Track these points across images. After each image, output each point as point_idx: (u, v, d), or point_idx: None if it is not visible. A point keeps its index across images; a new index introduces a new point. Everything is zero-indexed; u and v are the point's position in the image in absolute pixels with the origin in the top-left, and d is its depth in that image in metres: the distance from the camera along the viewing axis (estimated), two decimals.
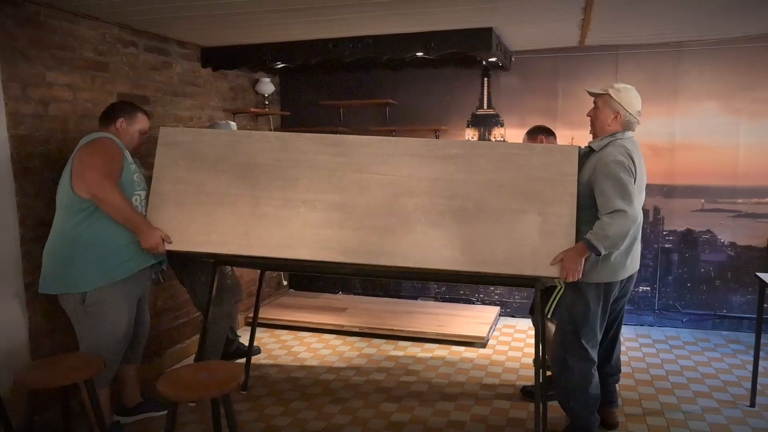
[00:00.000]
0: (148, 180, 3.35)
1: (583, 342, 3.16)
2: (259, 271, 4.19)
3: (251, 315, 4.25)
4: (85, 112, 3.73)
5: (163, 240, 3.19)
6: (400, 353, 4.82)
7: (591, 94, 3.20)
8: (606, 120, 3.11)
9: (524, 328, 5.42)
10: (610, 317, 3.26)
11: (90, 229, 3.09)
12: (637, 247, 3.23)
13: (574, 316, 3.17)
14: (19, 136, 3.26)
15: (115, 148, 3.17)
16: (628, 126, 3.12)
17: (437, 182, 3.10)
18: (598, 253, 2.90)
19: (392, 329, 5.16)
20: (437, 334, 5.06)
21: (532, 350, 4.78)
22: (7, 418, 2.62)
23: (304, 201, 3.17)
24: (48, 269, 3.13)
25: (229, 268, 4.11)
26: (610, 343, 3.44)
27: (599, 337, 3.22)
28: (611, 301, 3.17)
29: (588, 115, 3.23)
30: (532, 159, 3.05)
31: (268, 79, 5.58)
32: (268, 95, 5.66)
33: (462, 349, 4.90)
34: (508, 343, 5.04)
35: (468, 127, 5.61)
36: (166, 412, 3.58)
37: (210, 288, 3.58)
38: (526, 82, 5.41)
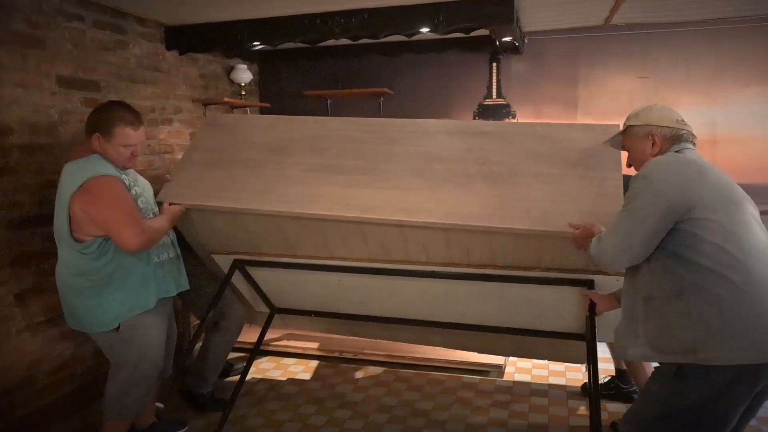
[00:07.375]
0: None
1: None
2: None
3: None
4: (13, 99, 3.15)
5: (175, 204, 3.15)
6: (402, 386, 4.09)
7: (611, 143, 2.64)
8: (645, 150, 2.39)
9: None
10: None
11: (108, 266, 2.89)
12: None
13: (670, 411, 2.07)
14: None
15: (116, 186, 2.85)
16: (676, 139, 2.33)
17: (469, 152, 3.12)
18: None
19: (392, 355, 4.46)
20: (445, 360, 4.36)
21: (558, 371, 4.14)
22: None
23: (329, 166, 3.22)
24: (72, 308, 2.98)
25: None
26: None
27: None
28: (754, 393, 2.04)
29: (628, 165, 2.54)
30: (570, 134, 3.08)
31: (244, 66, 5.07)
32: (245, 84, 5.16)
33: (476, 379, 4.19)
34: (529, 370, 4.30)
35: (474, 119, 5.06)
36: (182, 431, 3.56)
37: (221, 292, 3.34)
38: (541, 66, 4.93)
